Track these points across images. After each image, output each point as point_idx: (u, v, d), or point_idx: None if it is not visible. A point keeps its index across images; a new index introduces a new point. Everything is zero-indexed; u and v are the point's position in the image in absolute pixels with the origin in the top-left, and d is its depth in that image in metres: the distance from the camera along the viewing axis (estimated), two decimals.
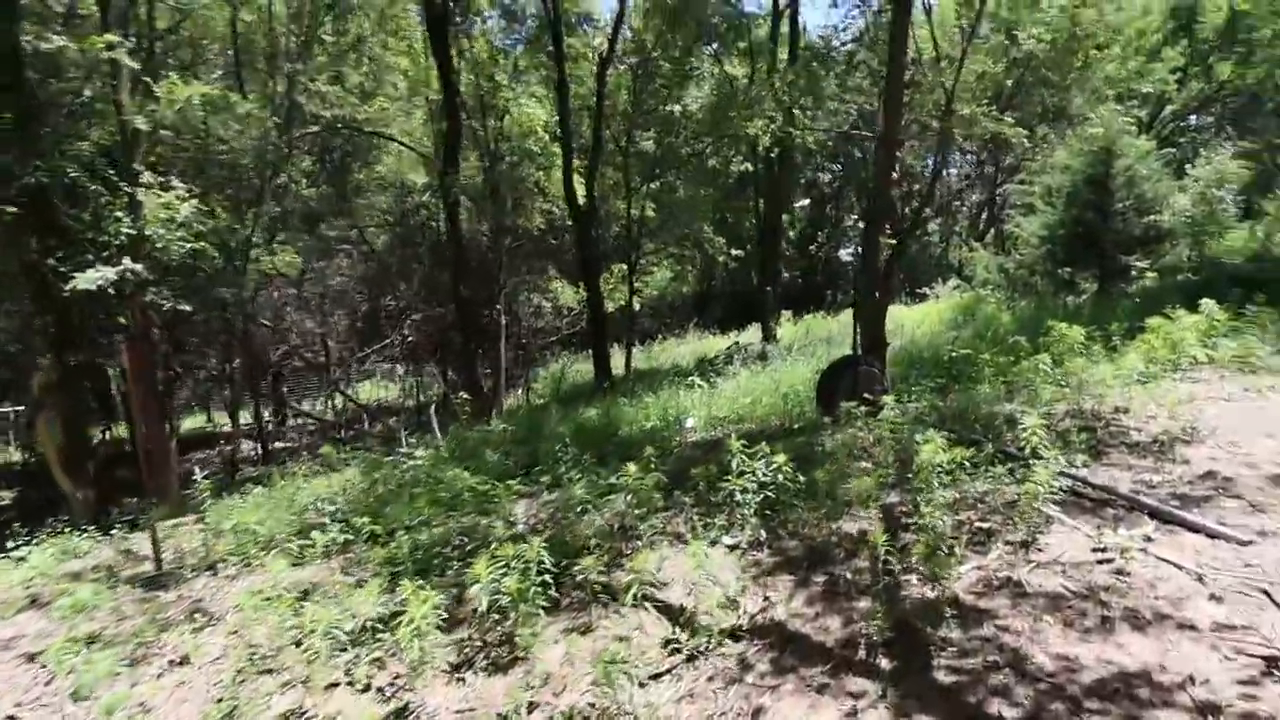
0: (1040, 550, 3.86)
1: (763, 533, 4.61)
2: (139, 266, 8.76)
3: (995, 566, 3.78)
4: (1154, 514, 3.99)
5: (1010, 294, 14.29)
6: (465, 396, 11.40)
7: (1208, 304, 7.18)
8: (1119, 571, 3.50)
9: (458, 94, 12.82)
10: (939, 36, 9.16)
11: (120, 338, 10.10)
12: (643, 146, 18.03)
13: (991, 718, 2.71)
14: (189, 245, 8.99)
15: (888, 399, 6.01)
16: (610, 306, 18.86)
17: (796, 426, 7.22)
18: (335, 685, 3.62)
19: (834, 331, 15.24)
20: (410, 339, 17.55)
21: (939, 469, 4.21)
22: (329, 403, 18.05)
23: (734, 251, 21.71)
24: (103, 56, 8.33)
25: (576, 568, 4.17)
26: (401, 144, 17.46)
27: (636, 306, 19.52)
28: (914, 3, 7.97)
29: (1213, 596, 3.18)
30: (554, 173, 16.03)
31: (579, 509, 4.97)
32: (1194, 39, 21.45)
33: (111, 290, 8.00)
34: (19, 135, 8.47)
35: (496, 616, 3.90)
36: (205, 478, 7.37)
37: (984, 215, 26.99)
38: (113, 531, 7.01)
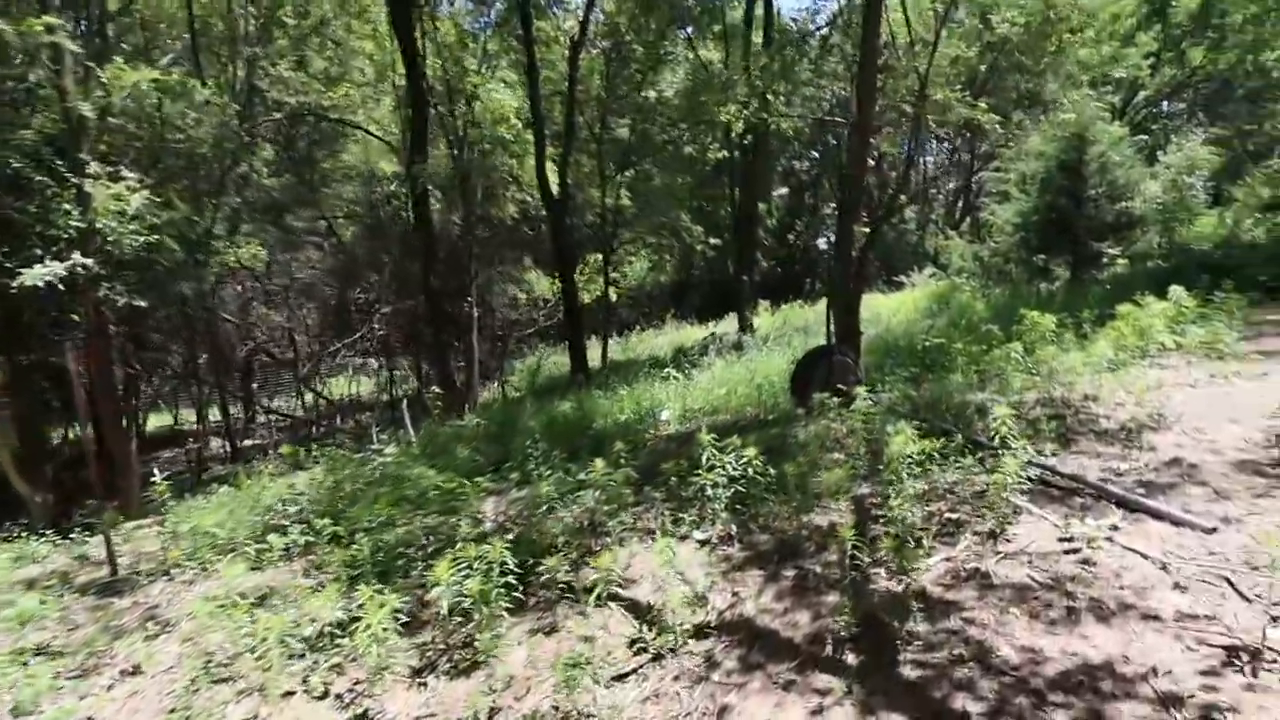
0: (1008, 541, 3.85)
1: (733, 527, 4.56)
2: (90, 261, 8.41)
3: (963, 558, 3.76)
4: (1121, 502, 3.99)
5: (985, 282, 14.37)
6: (437, 391, 11.22)
7: (1176, 291, 7.24)
8: (1085, 561, 3.48)
9: (424, 79, 12.50)
10: (913, 19, 9.09)
11: (70, 336, 9.73)
12: (618, 133, 17.82)
13: (956, 714, 2.68)
14: (142, 238, 8.63)
15: (860, 389, 5.97)
16: (586, 297, 18.71)
17: (770, 418, 7.17)
18: (292, 693, 3.50)
19: (811, 321, 15.24)
20: (381, 332, 17.23)
21: (909, 460, 4.18)
22: (298, 399, 17.68)
23: (712, 240, 21.61)
24: (43, 40, 7.96)
25: (542, 567, 4.09)
26: (367, 132, 17.05)
27: (614, 297, 19.37)
28: None
29: (1177, 585, 3.17)
30: (527, 161, 15.74)
31: (545, 507, 4.87)
32: (1167, 24, 21.63)
33: (62, 286, 7.68)
34: None
35: (459, 619, 3.80)
36: (165, 478, 7.19)
37: (960, 203, 27.15)
38: (72, 536, 6.80)
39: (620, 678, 3.33)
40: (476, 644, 3.55)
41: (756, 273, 25.68)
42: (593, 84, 17.51)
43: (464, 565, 3.73)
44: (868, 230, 7.85)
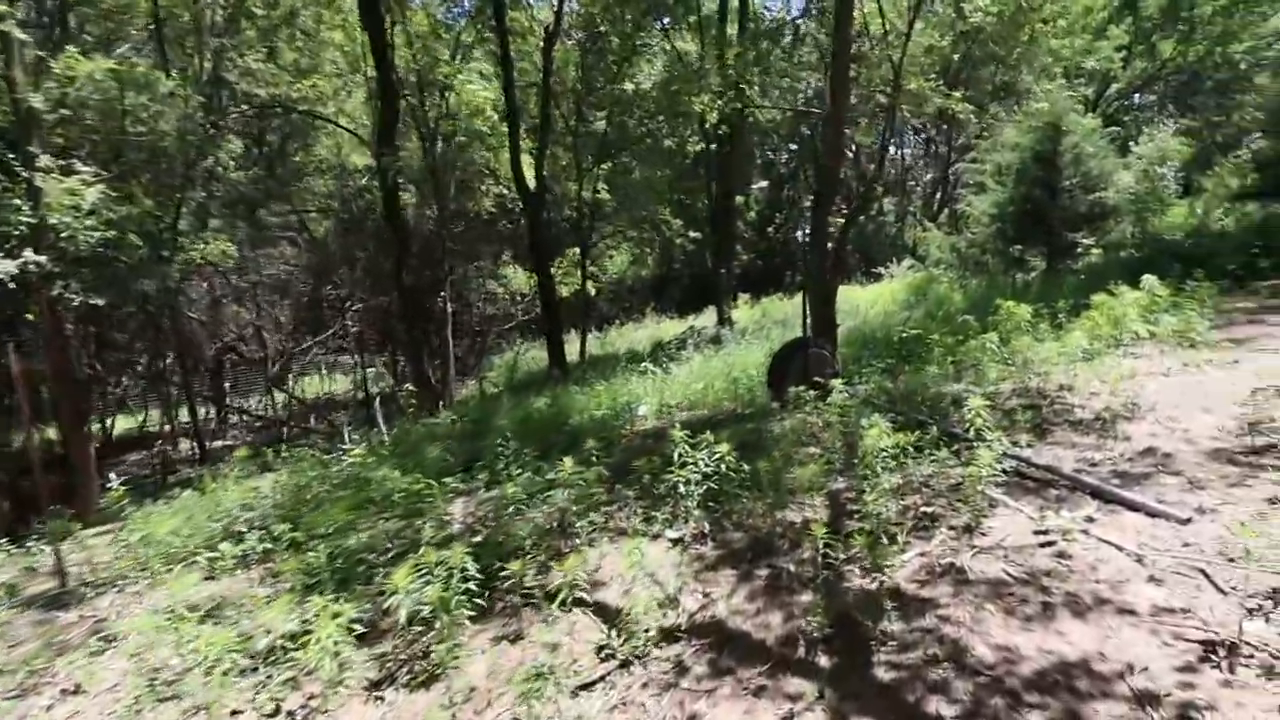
0: (983, 534, 3.77)
1: (707, 525, 4.45)
2: (43, 258, 8.12)
3: (938, 553, 3.67)
4: (1096, 493, 3.94)
5: (962, 273, 14.40)
6: (411, 388, 10.99)
7: (1149, 280, 7.24)
8: (1060, 555, 3.42)
9: (393, 70, 12.20)
10: (887, 8, 9.00)
11: (13, 338, 9.38)
12: (595, 126, 17.60)
13: (930, 718, 2.58)
14: (99, 234, 8.33)
15: (837, 382, 5.89)
16: (565, 291, 18.52)
17: (747, 412, 7.08)
18: (240, 712, 3.33)
19: (790, 313, 15.19)
20: (354, 329, 16.90)
21: (884, 454, 4.10)
22: (268, 399, 17.30)
23: (691, 234, 21.50)
24: None
25: (507, 571, 3.94)
26: (336, 124, 16.66)
27: (593, 291, 19.18)
28: None
29: (1152, 578, 3.11)
30: (504, 154, 15.49)
31: (512, 508, 4.72)
32: (1138, 17, 21.84)
33: (13, 285, 7.37)
34: None
35: (419, 628, 3.65)
36: (123, 483, 6.93)
37: (937, 195, 27.28)
38: (29, 545, 6.52)
39: (586, 687, 3.20)
40: (434, 655, 3.40)
41: (737, 266, 25.62)
42: (569, 76, 17.28)
43: (424, 572, 3.58)
44: (843, 221, 7.75)
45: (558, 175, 18.14)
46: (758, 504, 4.52)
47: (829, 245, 7.71)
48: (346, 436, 9.91)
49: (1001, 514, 3.95)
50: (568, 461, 4.54)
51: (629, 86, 16.42)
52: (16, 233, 7.75)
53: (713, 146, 17.84)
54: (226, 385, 19.22)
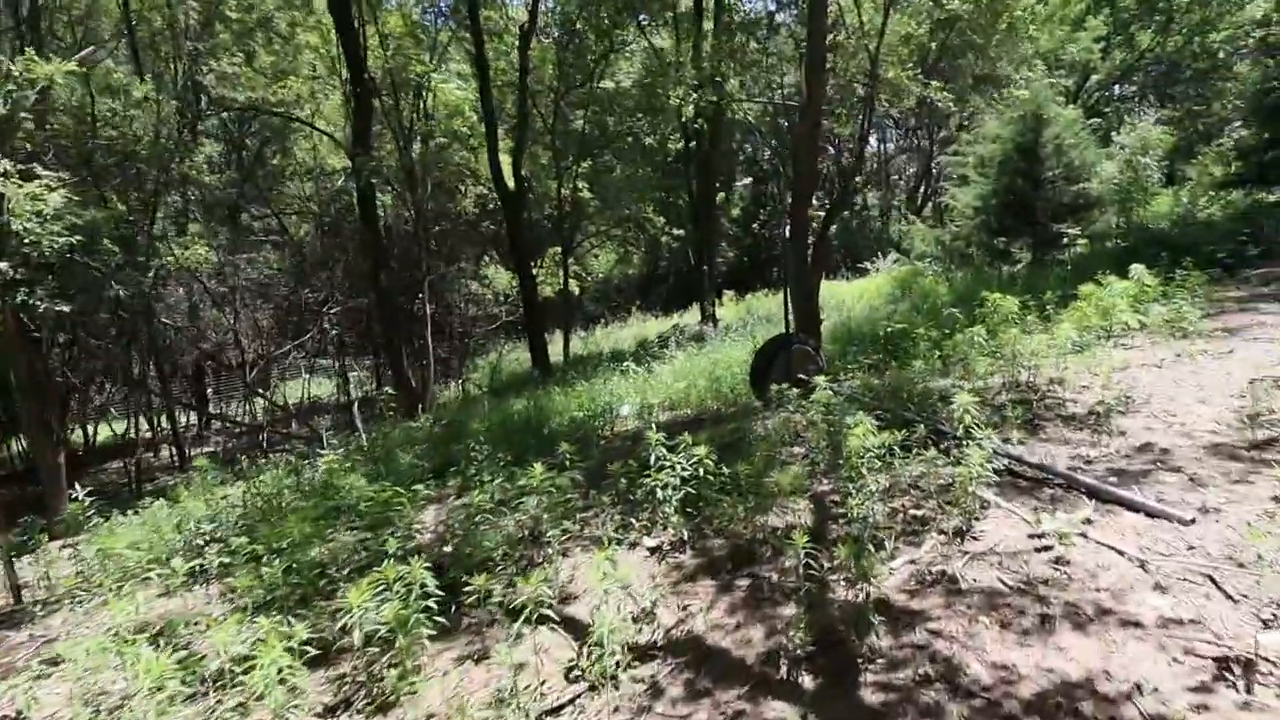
0: (976, 539, 3.57)
1: (685, 532, 4.22)
2: (3, 265, 7.88)
3: (929, 560, 3.46)
4: (1092, 493, 3.74)
5: (947, 265, 14.27)
6: (390, 392, 10.70)
7: (1138, 269, 7.09)
8: (1058, 561, 3.21)
9: (365, 70, 11.90)
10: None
11: None
12: (575, 125, 17.34)
13: None
14: (62, 239, 8.06)
15: (820, 379, 5.68)
16: (548, 291, 18.25)
17: (730, 411, 6.86)
18: None
19: (774, 309, 15.00)
20: (333, 332, 16.55)
21: (870, 454, 3.89)
22: (244, 405, 16.93)
23: (676, 231, 21.29)
24: None
25: (472, 585, 3.69)
26: (312, 126, 16.33)
27: (577, 290, 18.93)
28: None
29: (1157, 586, 2.91)
30: (484, 154, 15.24)
31: (479, 518, 4.46)
32: (1115, 8, 21.84)
33: None
34: None
35: (378, 649, 3.40)
36: (89, 493, 6.64)
37: (921, 188, 27.23)
38: None
39: (553, 712, 2.96)
40: (387, 679, 3.15)
41: (722, 263, 25.47)
42: (546, 74, 17.02)
43: (383, 588, 3.34)
44: (824, 215, 7.54)
45: (538, 174, 17.88)
46: (738, 508, 4.30)
47: (810, 240, 7.50)
48: (325, 441, 9.62)
49: (994, 516, 3.74)
50: (537, 468, 4.28)
51: (608, 84, 16.19)
52: None
53: (693, 145, 17.63)
54: (209, 391, 18.84)
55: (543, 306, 15.83)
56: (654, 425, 5.90)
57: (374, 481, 5.68)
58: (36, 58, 8.78)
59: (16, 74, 8.77)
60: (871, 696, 2.64)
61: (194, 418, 17.90)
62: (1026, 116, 12.34)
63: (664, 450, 4.31)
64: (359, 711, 3.21)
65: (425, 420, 9.67)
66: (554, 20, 16.93)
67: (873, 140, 28.60)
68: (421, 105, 15.38)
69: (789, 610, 3.28)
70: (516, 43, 14.70)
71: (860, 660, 2.85)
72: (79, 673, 3.90)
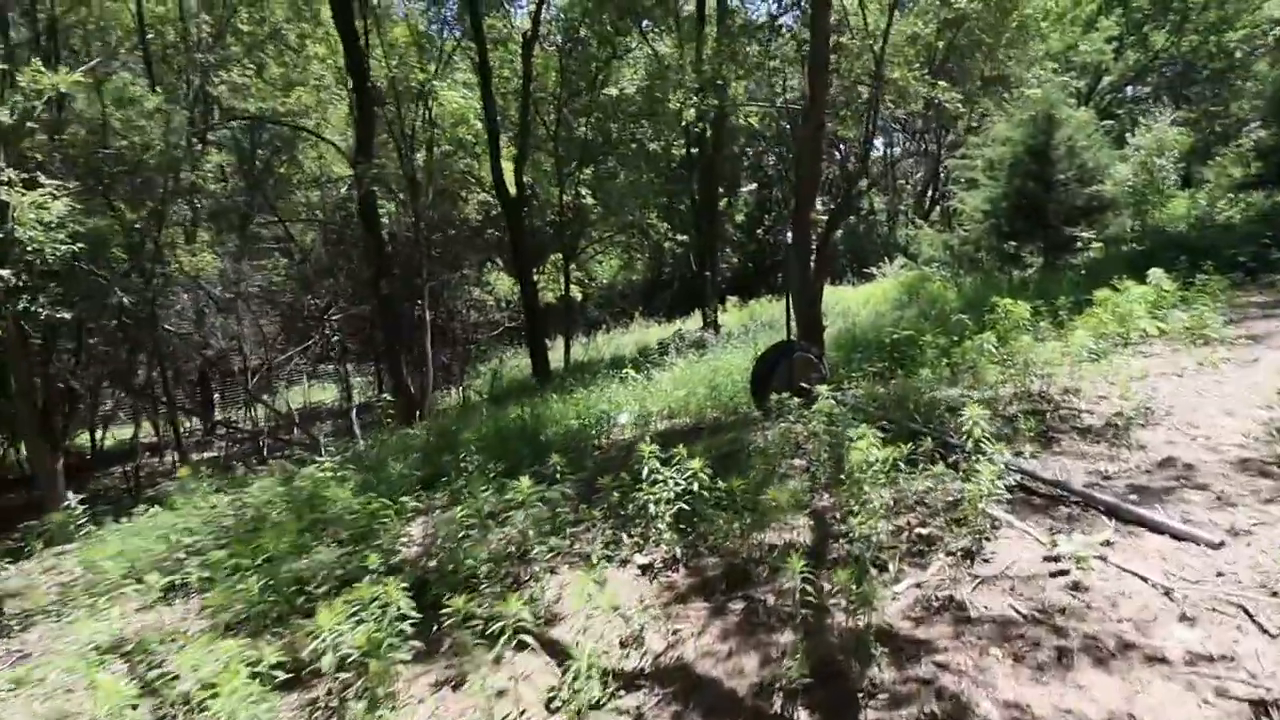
0: (986, 561, 3.34)
1: (679, 549, 4.01)
2: (5, 272, 7.94)
3: (935, 583, 3.24)
4: (1112, 512, 3.51)
5: (956, 270, 14.00)
6: (388, 399, 10.57)
7: (1156, 274, 6.83)
8: (1075, 586, 2.98)
9: (368, 79, 11.85)
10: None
11: None
12: (578, 131, 17.24)
13: None
14: (65, 247, 8.09)
15: (823, 388, 5.46)
16: (551, 297, 18.12)
17: (729, 420, 6.65)
18: None
19: (777, 316, 14.74)
20: (335, 339, 16.49)
21: (873, 468, 3.67)
22: (246, 410, 16.91)
23: (680, 237, 21.12)
24: None
25: (454, 605, 3.50)
26: (318, 136, 16.33)
27: (579, 297, 18.78)
28: None
29: (1184, 617, 2.68)
30: (488, 161, 15.18)
31: (463, 534, 4.27)
32: (1128, 8, 21.51)
33: None
34: None
35: (350, 674, 3.21)
36: (81, 501, 6.53)
37: (929, 193, 26.94)
38: None
39: None
40: (351, 710, 2.96)
41: (726, 268, 25.27)
42: (549, 81, 16.94)
43: (357, 609, 3.16)
44: (827, 219, 7.32)
45: (540, 181, 17.79)
46: (734, 525, 4.08)
47: (813, 244, 7.29)
48: (322, 449, 9.49)
49: (1006, 536, 3.51)
50: (524, 481, 4.09)
51: (612, 91, 16.08)
52: None
53: (695, 151, 17.48)
54: (216, 396, 18.85)
55: (544, 313, 15.70)
56: (652, 434, 5.70)
57: (364, 492, 5.52)
58: (43, 69, 8.84)
59: (24, 84, 8.84)
60: None
61: (198, 423, 17.92)
62: (1038, 118, 12.08)
63: (657, 463, 4.11)
64: None
65: (421, 428, 9.52)
66: (557, 28, 16.88)
67: (879, 143, 28.40)
68: (427, 113, 15.36)
69: (785, 637, 3.07)
70: (520, 50, 14.63)
71: (860, 695, 2.63)
72: (47, 693, 3.76)
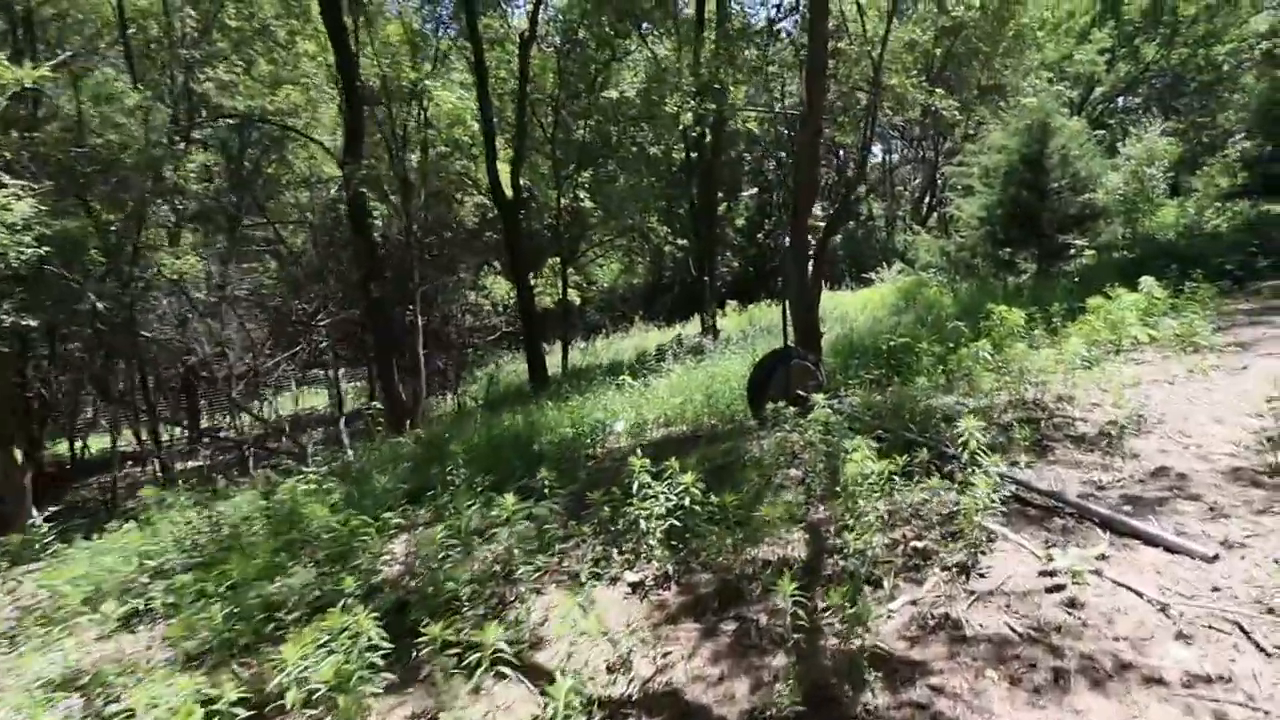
0: (982, 576, 3.29)
1: (670, 566, 3.94)
2: None
3: (931, 600, 3.19)
4: (1106, 524, 3.46)
5: (952, 276, 14.02)
6: (378, 406, 10.45)
7: (1147, 281, 6.83)
8: (1071, 603, 2.93)
9: (358, 78, 11.76)
10: (866, 4, 8.60)
11: None
12: (575, 134, 17.18)
13: None
14: (31, 250, 7.82)
15: (819, 396, 5.41)
16: (549, 301, 18.03)
17: (725, 429, 6.59)
18: None
19: (776, 321, 14.69)
20: (323, 344, 16.32)
21: (868, 480, 3.63)
22: (232, 418, 16.69)
23: (680, 241, 21.07)
24: None
25: (430, 632, 3.41)
26: (307, 137, 16.18)
27: (577, 301, 18.70)
28: None
29: (1180, 635, 2.63)
30: (484, 163, 15.09)
31: (442, 554, 4.17)
32: (1120, 21, 21.72)
33: None
34: None
35: (318, 710, 3.08)
36: (47, 517, 6.35)
37: (926, 199, 27.03)
38: None
39: None
40: None
41: (726, 273, 25.24)
42: (547, 83, 16.89)
43: (326, 640, 3.04)
44: (825, 225, 7.29)
45: (538, 183, 17.72)
46: (727, 540, 4.02)
47: (811, 250, 7.26)
48: (308, 458, 9.35)
49: (1001, 550, 3.46)
50: (509, 498, 4.00)
51: (611, 94, 16.05)
52: None
53: (694, 155, 17.45)
54: (201, 404, 18.57)
55: (542, 317, 15.60)
56: (645, 444, 5.63)
57: (346, 506, 5.41)
58: (6, 62, 8.63)
59: None
60: None
61: (182, 432, 17.62)
62: (1032, 127, 12.14)
63: (648, 477, 4.04)
64: None
65: (411, 437, 9.40)
66: (555, 29, 16.82)
67: (877, 150, 28.51)
68: (422, 114, 15.24)
69: (777, 660, 3.00)
70: (517, 50, 14.57)
71: None
72: None
